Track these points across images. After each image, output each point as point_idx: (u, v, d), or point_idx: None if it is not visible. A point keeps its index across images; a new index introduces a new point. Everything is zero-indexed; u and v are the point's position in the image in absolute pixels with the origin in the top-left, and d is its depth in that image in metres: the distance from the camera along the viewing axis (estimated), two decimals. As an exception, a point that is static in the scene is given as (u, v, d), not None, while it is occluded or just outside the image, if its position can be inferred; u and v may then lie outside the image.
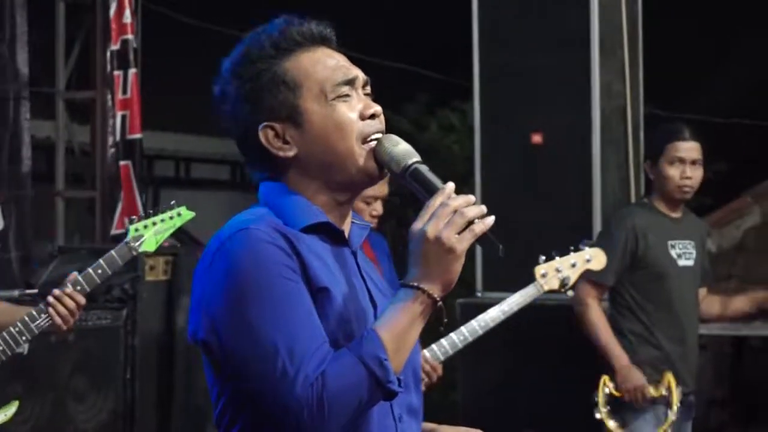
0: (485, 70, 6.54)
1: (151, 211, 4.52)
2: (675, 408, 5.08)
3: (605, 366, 5.19)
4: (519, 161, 6.45)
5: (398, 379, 2.17)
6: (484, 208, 2.19)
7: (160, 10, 8.97)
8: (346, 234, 2.39)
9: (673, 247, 5.28)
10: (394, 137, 2.31)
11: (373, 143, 2.31)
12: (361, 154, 2.30)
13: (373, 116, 2.32)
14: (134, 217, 4.54)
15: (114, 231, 7.39)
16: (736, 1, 9.71)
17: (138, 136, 7.53)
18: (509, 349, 6.09)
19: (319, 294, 2.22)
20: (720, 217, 8.10)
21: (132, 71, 7.49)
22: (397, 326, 2.17)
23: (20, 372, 5.04)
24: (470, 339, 4.79)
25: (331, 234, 2.34)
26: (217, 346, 2.19)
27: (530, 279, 4.89)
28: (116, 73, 7.49)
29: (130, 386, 5.92)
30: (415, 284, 2.18)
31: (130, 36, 7.49)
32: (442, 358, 4.75)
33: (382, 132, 2.33)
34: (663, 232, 5.28)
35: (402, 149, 2.29)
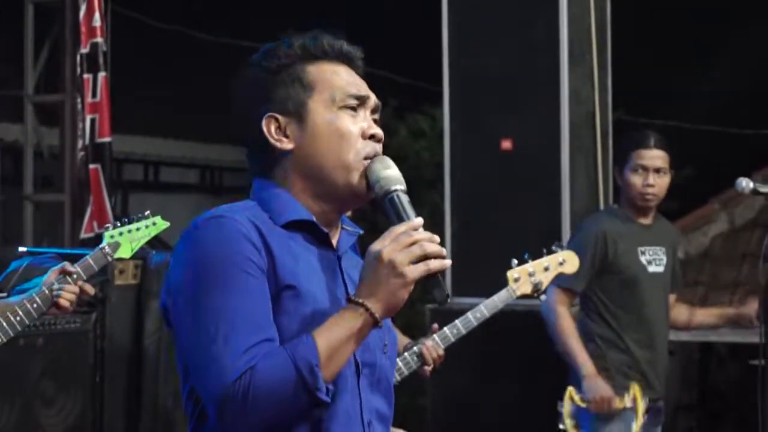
0: (455, 75, 6.57)
1: (126, 219, 4.57)
2: (640, 420, 5.09)
3: (572, 374, 5.20)
4: (489, 167, 6.48)
5: (327, 388, 2.21)
6: (444, 251, 2.23)
7: (129, 13, 8.95)
8: (334, 238, 2.44)
9: (643, 253, 5.29)
10: (387, 160, 2.36)
11: (367, 162, 2.36)
12: (355, 169, 2.36)
13: (373, 137, 2.38)
14: (109, 224, 4.57)
15: (83, 234, 7.36)
16: (707, 8, 9.76)
17: (107, 139, 7.50)
18: (479, 354, 6.11)
19: (286, 291, 2.27)
20: (687, 224, 8.15)
21: (102, 74, 7.46)
22: (334, 336, 2.21)
23: (-12, 375, 5.02)
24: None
25: (315, 234, 2.38)
26: (172, 323, 2.30)
27: (500, 283, 4.88)
28: (86, 76, 7.46)
29: (99, 390, 5.90)
30: (360, 301, 2.23)
31: (99, 39, 7.47)
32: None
33: (377, 154, 2.38)
34: (633, 238, 5.30)
35: (390, 174, 2.34)
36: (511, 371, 6.23)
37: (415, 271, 2.20)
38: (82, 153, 7.48)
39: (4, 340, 4.21)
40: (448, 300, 2.27)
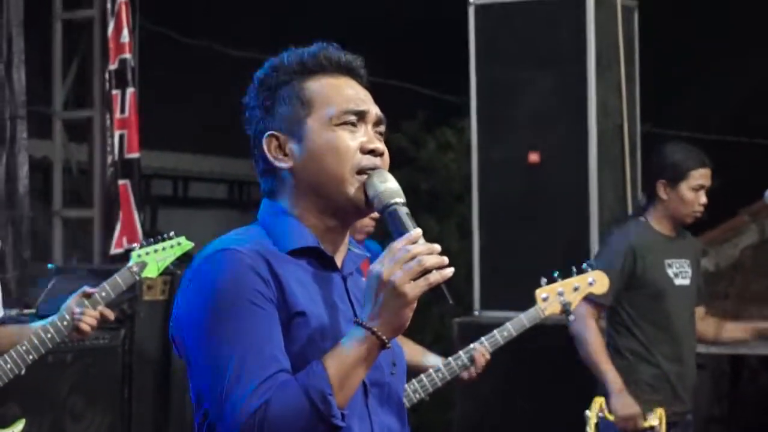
0: (482, 87, 6.56)
1: (152, 239, 4.63)
2: None
3: (600, 385, 5.17)
4: (516, 179, 6.47)
5: (342, 414, 2.20)
6: (445, 260, 2.21)
7: (157, 29, 8.98)
8: (339, 259, 2.43)
9: (670, 266, 5.27)
10: (386, 174, 2.36)
11: (364, 177, 2.35)
12: (352, 184, 2.35)
13: (373, 152, 2.37)
14: (136, 244, 4.63)
15: (113, 250, 7.38)
16: (734, 18, 9.72)
17: (136, 155, 7.52)
18: (507, 367, 6.08)
19: (296, 318, 2.27)
20: (716, 236, 8.09)
21: (130, 90, 7.48)
22: (344, 363, 2.21)
23: (17, 392, 5.02)
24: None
25: (320, 258, 2.38)
26: (185, 358, 2.32)
27: (527, 297, 4.88)
28: (114, 92, 7.49)
29: (128, 405, 5.91)
30: (366, 324, 2.22)
31: (128, 55, 7.49)
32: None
33: (377, 167, 2.37)
34: (660, 251, 5.28)
35: (388, 187, 2.33)
36: (539, 385, 6.21)
37: (415, 289, 2.19)
38: (111, 169, 7.51)
39: (23, 369, 4.23)
40: (453, 307, 2.25)
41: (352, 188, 2.35)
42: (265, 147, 2.40)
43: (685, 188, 5.22)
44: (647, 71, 6.87)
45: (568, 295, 4.82)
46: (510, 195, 6.48)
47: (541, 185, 6.39)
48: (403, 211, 2.29)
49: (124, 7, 7.45)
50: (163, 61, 9.29)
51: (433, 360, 4.92)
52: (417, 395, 4.79)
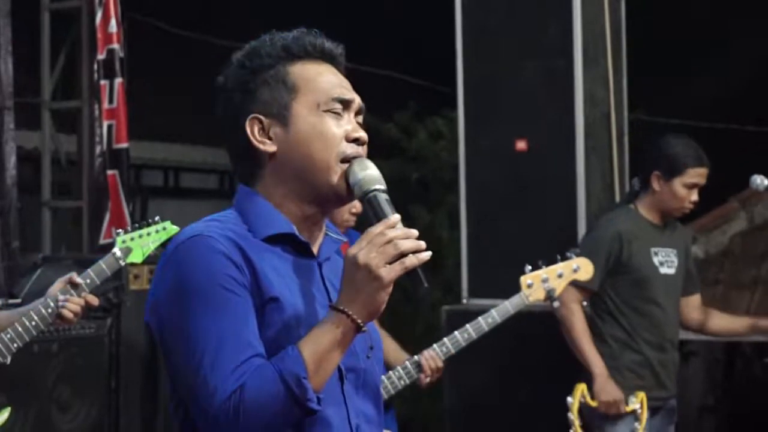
0: (469, 77, 6.55)
1: (137, 225, 4.60)
2: (643, 425, 5.08)
3: (585, 372, 5.18)
4: (503, 168, 6.46)
5: (317, 398, 2.22)
6: (421, 244, 2.22)
7: (146, 19, 8.96)
8: (316, 246, 2.43)
9: (656, 254, 5.28)
10: (366, 162, 2.36)
11: (345, 165, 2.35)
12: (336, 171, 2.35)
13: (357, 141, 2.37)
14: (121, 230, 4.59)
15: (102, 241, 7.38)
16: (722, 4, 9.71)
17: (125, 145, 7.51)
18: (495, 356, 6.09)
19: (270, 303, 2.28)
20: (706, 222, 8.09)
21: (118, 81, 7.48)
22: (319, 346, 2.22)
23: (3, 382, 5.02)
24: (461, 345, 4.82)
25: (295, 245, 2.38)
26: (160, 344, 2.31)
27: (516, 285, 4.89)
28: (102, 82, 7.48)
29: (115, 395, 5.91)
30: (341, 308, 2.23)
31: (116, 45, 7.48)
32: (443, 357, 4.79)
33: (360, 156, 2.37)
34: (647, 239, 5.28)
35: (368, 174, 2.33)
36: (528, 373, 6.21)
37: (391, 272, 2.20)
38: (99, 159, 7.50)
39: (8, 357, 4.22)
40: (428, 291, 2.26)
41: (335, 176, 2.35)
42: (248, 129, 2.37)
43: (678, 184, 5.21)
44: (637, 57, 6.85)
45: (552, 281, 4.83)
46: (498, 183, 6.47)
47: (529, 174, 6.38)
48: (383, 198, 2.30)
49: (111, -2, 7.43)
50: (152, 52, 9.29)
51: (402, 359, 4.93)
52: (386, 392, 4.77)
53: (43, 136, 7.96)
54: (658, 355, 5.25)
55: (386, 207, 2.29)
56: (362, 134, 2.39)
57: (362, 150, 2.38)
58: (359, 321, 2.22)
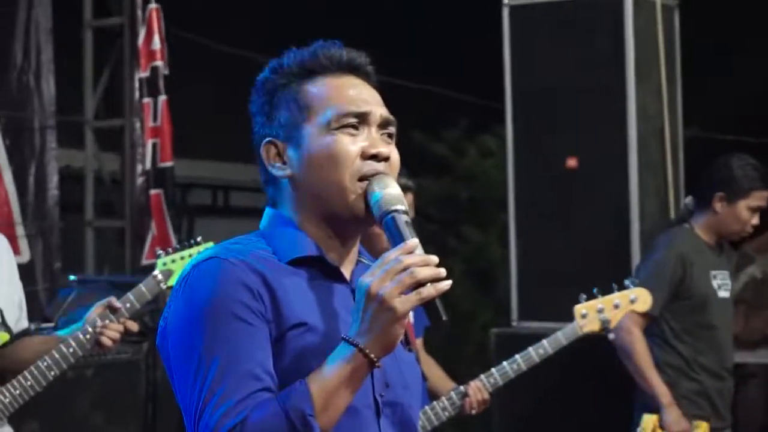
0: (518, 93, 6.41)
1: (178, 246, 4.44)
2: None
3: (643, 398, 5.01)
4: (554, 186, 6.30)
5: None
6: (441, 272, 2.06)
7: (189, 36, 8.89)
8: (347, 271, 2.29)
9: (714, 277, 5.14)
10: (386, 179, 2.20)
11: (363, 184, 2.21)
12: (353, 191, 2.21)
13: (375, 157, 2.22)
14: (162, 251, 4.44)
15: (144, 261, 7.30)
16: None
17: (169, 164, 7.43)
18: (546, 382, 5.92)
19: (295, 329, 2.15)
20: (764, 242, 7.92)
21: (162, 98, 7.41)
22: (329, 382, 2.07)
23: (36, 408, 4.89)
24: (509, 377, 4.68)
25: (323, 269, 2.24)
26: (168, 370, 2.23)
27: (566, 307, 4.74)
28: (146, 100, 7.42)
29: (152, 422, 5.79)
30: (353, 341, 2.08)
31: (159, 62, 7.41)
32: (490, 389, 4.65)
33: (379, 173, 2.22)
34: (706, 261, 5.14)
35: (387, 193, 2.18)
36: (578, 396, 6.05)
37: (406, 304, 2.04)
38: (142, 178, 7.42)
39: (44, 385, 4.09)
40: (447, 324, 2.09)
41: (352, 196, 2.20)
42: (263, 155, 2.28)
43: (743, 207, 5.09)
44: (691, 72, 6.68)
45: (608, 312, 4.66)
46: (548, 202, 6.32)
47: (580, 192, 6.22)
48: (402, 219, 2.14)
49: (154, 14, 7.36)
50: (199, 70, 9.22)
51: (447, 388, 4.79)
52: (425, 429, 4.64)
53: (86, 155, 7.87)
54: (716, 383, 5.11)
55: (405, 229, 2.13)
56: (381, 149, 2.23)
57: (383, 166, 2.23)
58: (372, 355, 2.07)
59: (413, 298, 2.04)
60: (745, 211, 5.07)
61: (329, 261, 2.24)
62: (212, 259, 2.18)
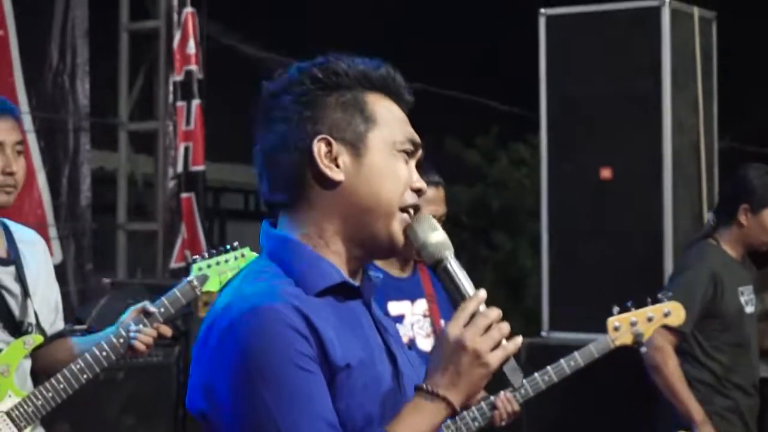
0: (552, 102, 6.38)
1: (214, 251, 4.39)
2: None
3: (675, 416, 4.97)
4: (587, 197, 6.27)
5: None
6: (509, 327, 2.06)
7: (223, 40, 8.91)
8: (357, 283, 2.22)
9: (742, 293, 5.09)
10: (433, 221, 2.17)
11: (407, 217, 2.16)
12: (396, 218, 2.14)
13: (419, 191, 2.18)
14: (197, 256, 4.40)
15: (173, 264, 7.30)
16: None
17: (201, 168, 7.44)
18: (575, 389, 5.89)
19: (342, 372, 2.05)
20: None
21: (196, 102, 7.43)
22: None
23: (68, 411, 4.89)
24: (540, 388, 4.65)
25: (344, 291, 2.15)
26: (218, 427, 2.06)
27: (597, 319, 4.69)
28: (179, 104, 7.44)
29: (182, 425, 5.77)
30: (442, 394, 2.05)
31: (194, 67, 7.43)
32: (521, 400, 4.63)
33: (418, 209, 2.18)
34: (734, 277, 5.09)
35: (436, 238, 2.14)
36: (608, 406, 6.01)
37: (496, 359, 2.03)
38: (173, 181, 7.43)
39: (76, 388, 4.08)
40: (521, 385, 2.10)
41: (396, 225, 2.14)
42: (315, 150, 2.10)
43: (767, 215, 5.02)
44: (727, 83, 6.64)
45: (641, 325, 4.60)
46: (581, 213, 6.28)
47: (614, 203, 6.17)
48: (457, 265, 2.13)
49: (190, 18, 7.38)
50: (231, 73, 9.23)
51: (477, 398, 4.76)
52: None
53: (119, 158, 7.89)
54: (747, 400, 5.06)
55: (466, 280, 2.11)
56: (424, 186, 2.19)
57: (420, 203, 2.19)
58: (457, 407, 2.05)
59: (500, 354, 2.04)
60: None
61: (352, 284, 2.16)
62: (252, 310, 2.02)
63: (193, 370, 2.10)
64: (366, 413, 2.06)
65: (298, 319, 2.02)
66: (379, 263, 4.17)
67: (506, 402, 4.59)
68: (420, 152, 2.21)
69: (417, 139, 2.19)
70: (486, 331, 2.04)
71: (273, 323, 2.00)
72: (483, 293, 2.08)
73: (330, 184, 2.12)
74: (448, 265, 2.13)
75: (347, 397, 2.05)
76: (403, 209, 2.15)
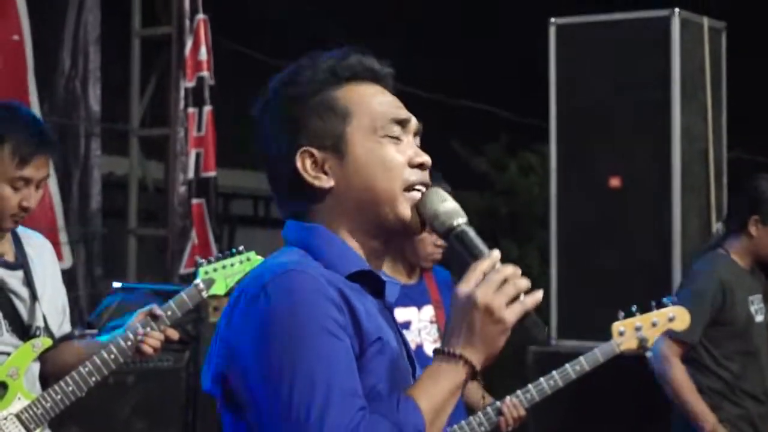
0: (562, 110, 6.39)
1: (220, 255, 4.41)
2: None
3: (685, 424, 4.99)
4: (596, 205, 6.28)
5: None
6: (529, 283, 2.02)
7: (235, 47, 8.93)
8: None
9: (752, 303, 5.10)
10: (442, 192, 2.15)
11: (416, 194, 2.14)
12: (402, 201, 2.13)
13: (421, 166, 2.16)
14: (203, 260, 4.42)
15: (183, 270, 7.31)
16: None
17: (212, 174, 7.46)
18: (581, 394, 5.90)
19: (374, 345, 2.05)
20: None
21: (207, 108, 7.44)
22: (436, 396, 2.01)
23: (78, 414, 4.91)
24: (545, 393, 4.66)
25: (371, 284, 2.16)
26: (245, 396, 2.03)
27: (606, 327, 4.70)
28: (191, 110, 7.45)
29: (191, 429, 5.79)
30: (458, 353, 2.02)
31: (205, 73, 7.45)
32: (527, 404, 4.63)
33: (426, 184, 2.16)
34: (744, 287, 5.09)
35: (449, 207, 2.12)
36: (614, 413, 6.01)
37: (513, 314, 1.99)
38: (184, 187, 7.44)
39: (85, 391, 4.10)
40: (548, 336, 2.07)
41: (402, 206, 2.12)
42: (299, 165, 2.12)
43: None
44: (736, 94, 6.64)
45: (645, 330, 4.62)
46: (590, 221, 6.30)
47: (622, 211, 6.19)
48: (473, 232, 2.10)
49: (202, 25, 7.40)
50: (242, 79, 9.24)
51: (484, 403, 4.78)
52: None
53: (130, 163, 7.91)
54: (759, 407, 5.07)
55: (480, 243, 2.08)
56: (426, 159, 2.16)
57: (426, 176, 2.17)
58: (477, 367, 2.01)
59: (518, 308, 2.00)
60: None
61: (379, 275, 2.17)
62: (287, 272, 2.02)
63: (217, 336, 2.09)
64: (393, 387, 2.05)
65: (329, 287, 2.02)
66: (386, 270, 4.19)
67: (512, 407, 4.60)
68: (414, 123, 2.19)
69: (401, 115, 2.17)
70: (500, 287, 2.00)
71: (303, 288, 2.00)
72: (497, 253, 2.05)
73: (323, 191, 2.14)
74: (461, 231, 2.10)
75: (376, 371, 2.04)
76: (408, 188, 2.14)
